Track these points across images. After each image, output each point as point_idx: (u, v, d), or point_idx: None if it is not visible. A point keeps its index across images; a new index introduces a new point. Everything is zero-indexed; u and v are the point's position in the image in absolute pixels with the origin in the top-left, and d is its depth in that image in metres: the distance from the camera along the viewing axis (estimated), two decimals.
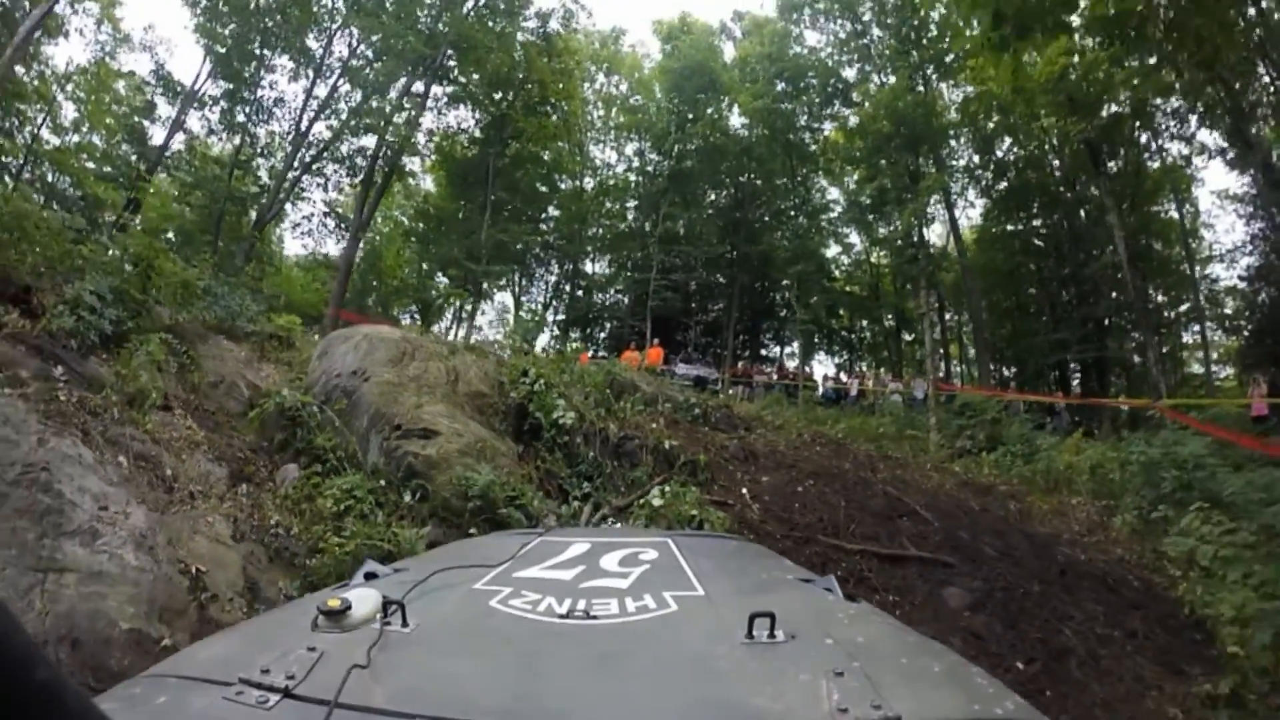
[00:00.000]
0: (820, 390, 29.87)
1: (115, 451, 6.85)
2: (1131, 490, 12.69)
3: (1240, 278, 35.05)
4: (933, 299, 36.53)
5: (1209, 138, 32.11)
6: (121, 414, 7.57)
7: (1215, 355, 38.10)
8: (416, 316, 45.64)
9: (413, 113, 31.79)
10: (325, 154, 31.88)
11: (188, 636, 5.42)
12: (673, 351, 33.02)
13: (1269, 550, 8.91)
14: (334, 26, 30.81)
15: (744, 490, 11.38)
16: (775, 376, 32.79)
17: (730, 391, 28.65)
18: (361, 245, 36.57)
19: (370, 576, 2.76)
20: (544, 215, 43.76)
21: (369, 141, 31.82)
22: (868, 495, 11.89)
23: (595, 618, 2.12)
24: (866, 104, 29.60)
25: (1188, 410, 16.88)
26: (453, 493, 8.40)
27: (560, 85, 37.24)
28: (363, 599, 2.00)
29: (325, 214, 34.88)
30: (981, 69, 28.96)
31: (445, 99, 34.91)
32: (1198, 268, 36.30)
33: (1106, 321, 34.80)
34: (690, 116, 37.24)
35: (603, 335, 43.65)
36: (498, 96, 35.41)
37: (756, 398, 27.05)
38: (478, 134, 37.03)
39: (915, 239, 26.23)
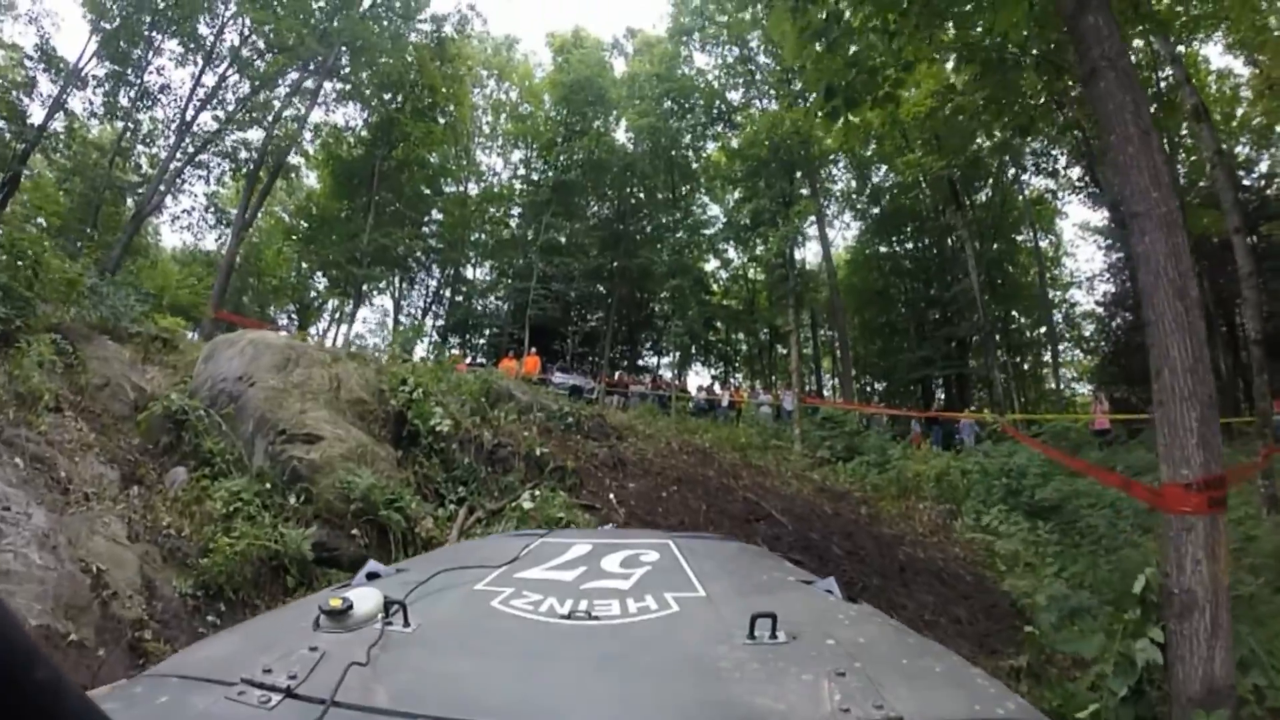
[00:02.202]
0: (693, 401, 30.56)
1: (12, 453, 7.04)
2: (971, 496, 13.75)
3: (1098, 303, 37.78)
4: (804, 317, 37.84)
5: (1072, 173, 34.96)
6: (16, 415, 7.76)
7: (1074, 373, 41.40)
8: (294, 317, 45.66)
9: (300, 108, 31.61)
10: (209, 146, 31.03)
11: (93, 632, 5.64)
12: (550, 360, 33.57)
13: (1087, 549, 9.86)
14: (227, 13, 29.93)
15: (611, 495, 11.84)
16: (649, 387, 33.36)
17: (606, 401, 29.06)
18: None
19: (372, 576, 2.77)
20: (427, 219, 43.48)
21: (255, 135, 31.39)
22: (729, 501, 12.52)
23: (597, 618, 2.13)
24: (748, 127, 30.30)
25: (1029, 425, 18.05)
26: (335, 495, 8.61)
27: (450, 90, 37.45)
28: (365, 599, 2.01)
29: (206, 208, 33.93)
30: (837, 140, 30.19)
31: (335, 96, 34.49)
32: (1059, 293, 39.25)
33: (968, 341, 36.58)
34: (577, 129, 37.57)
35: (482, 342, 43.91)
36: (387, 97, 35.25)
37: (631, 407, 27.19)
38: (364, 134, 36.87)
39: (787, 259, 26.94)
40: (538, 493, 10.52)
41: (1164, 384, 5.22)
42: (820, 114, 7.86)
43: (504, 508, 10.22)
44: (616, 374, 36.73)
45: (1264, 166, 30.55)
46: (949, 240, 38.45)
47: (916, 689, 1.63)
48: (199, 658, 1.96)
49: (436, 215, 43.94)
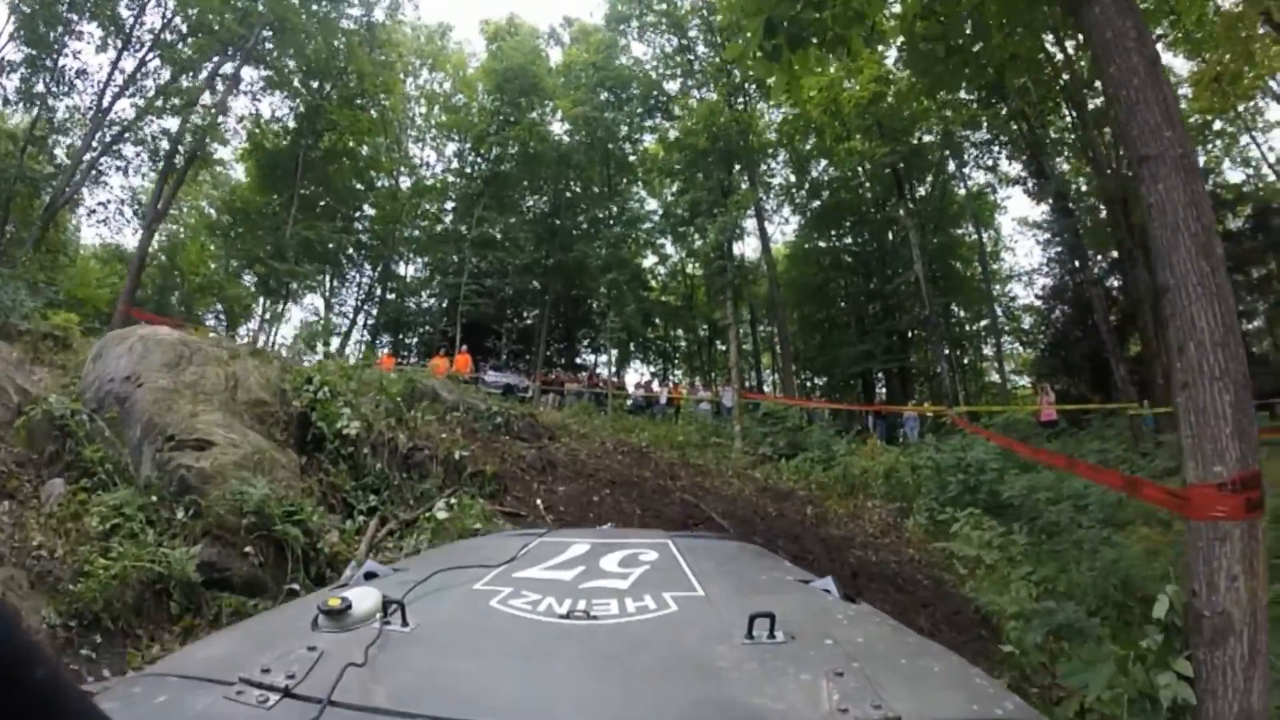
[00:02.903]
0: (630, 399, 29.97)
1: None
2: (923, 493, 13.05)
3: (1037, 296, 38.77)
4: (744, 311, 37.24)
5: (1012, 168, 34.84)
6: None
7: (1013, 366, 41.73)
8: (223, 317, 43.93)
9: (222, 95, 30.10)
10: (127, 134, 29.34)
11: None
12: (483, 358, 32.87)
13: (1051, 549, 9.08)
14: None
15: (539, 500, 11.09)
16: (585, 385, 32.69)
17: (541, 400, 28.55)
18: (164, 238, 34.51)
19: (370, 576, 2.79)
20: (358, 214, 42.25)
21: (174, 124, 29.71)
22: (665, 503, 11.77)
23: (595, 618, 2.12)
24: (685, 117, 29.41)
25: (978, 418, 17.42)
26: (227, 509, 7.62)
27: (380, 78, 35.99)
28: (363, 598, 2.01)
29: (123, 201, 31.89)
30: (778, 88, 29.44)
31: (261, 84, 32.88)
32: (998, 286, 39.36)
33: (909, 334, 36.94)
34: (511, 119, 36.47)
35: (415, 341, 42.85)
36: (314, 85, 34.04)
37: (568, 406, 26.71)
38: (290, 124, 35.37)
39: (725, 252, 26.24)
40: (454, 501, 9.59)
41: (1189, 362, 4.28)
42: (756, 55, 6.81)
43: (418, 518, 9.40)
44: (553, 372, 35.88)
45: (1200, 160, 30.11)
46: (889, 234, 38.42)
47: (915, 689, 1.64)
48: (197, 657, 1.98)
49: (369, 210, 42.93)
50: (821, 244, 42.22)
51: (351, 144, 37.57)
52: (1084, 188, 31.91)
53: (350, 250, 41.18)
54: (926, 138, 34.40)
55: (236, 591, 6.97)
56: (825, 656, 1.76)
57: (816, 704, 1.52)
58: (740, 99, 32.14)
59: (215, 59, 29.98)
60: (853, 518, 13.13)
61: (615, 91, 35.32)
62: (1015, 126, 28.33)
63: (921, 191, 37.96)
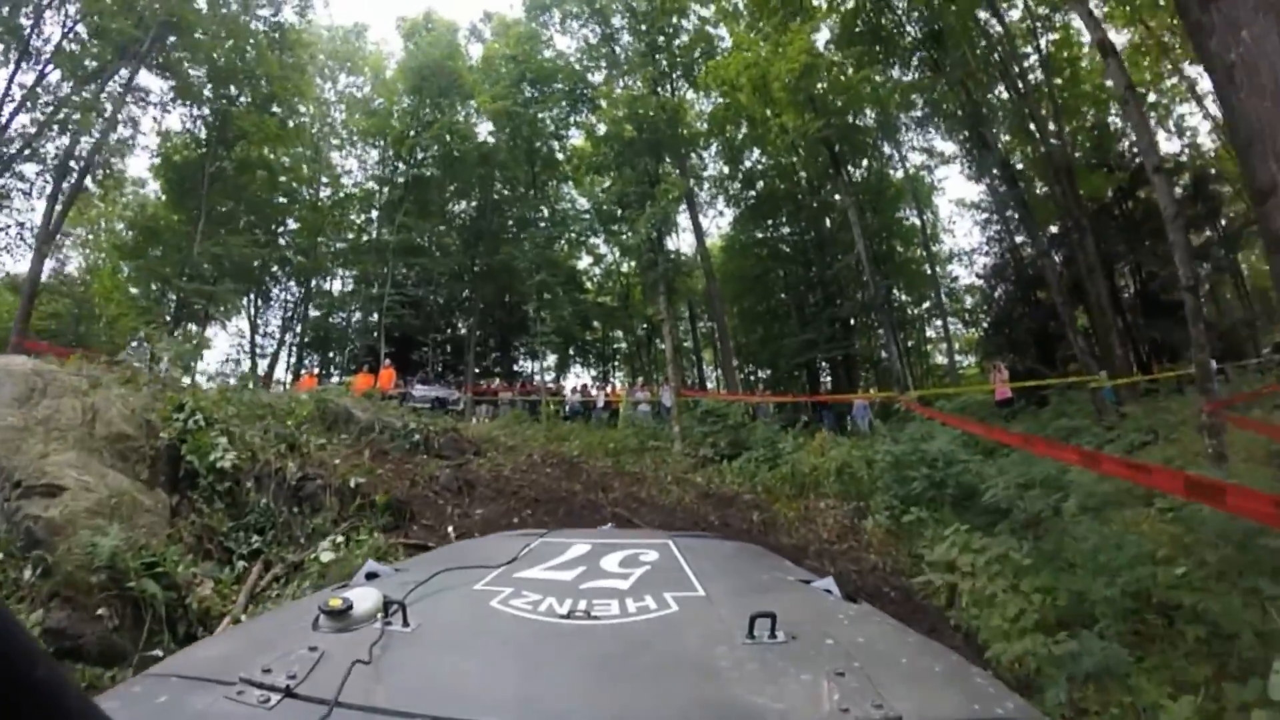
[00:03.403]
0: (567, 404, 28.79)
1: None
2: (881, 489, 11.71)
3: (978, 275, 39.08)
4: (681, 307, 36.12)
5: (948, 147, 35.36)
6: None
7: (957, 346, 41.37)
8: (147, 345, 41.32)
9: (117, 107, 28.10)
10: (26, 152, 27.40)
11: None
12: (411, 373, 31.46)
13: (1038, 548, 7.83)
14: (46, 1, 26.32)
15: (450, 528, 9.95)
16: (519, 392, 31.52)
17: (476, 411, 27.90)
18: (77, 263, 32.41)
19: (372, 576, 2.72)
20: (281, 229, 40.26)
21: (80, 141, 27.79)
22: (595, 519, 10.56)
23: (596, 618, 2.08)
24: (609, 107, 27.87)
25: (930, 402, 16.14)
26: (77, 564, 6.29)
27: (291, 82, 34.01)
28: (364, 598, 1.99)
29: (22, 225, 29.49)
30: (723, 68, 28.70)
31: (169, 94, 30.99)
32: (939, 268, 39.29)
33: (852, 321, 36.29)
34: (430, 120, 34.96)
35: (341, 359, 40.90)
36: (222, 92, 32.15)
37: (502, 416, 25.70)
38: (199, 134, 33.32)
39: (655, 243, 24.96)
40: (340, 539, 8.27)
41: None
42: None
43: (306, 560, 8.07)
44: (487, 382, 34.69)
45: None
46: (826, 220, 38.05)
47: (916, 688, 1.64)
48: (198, 657, 1.98)
49: (293, 225, 40.97)
50: (758, 234, 41.30)
51: (266, 154, 35.59)
52: (1019, 165, 31.75)
53: (274, 268, 39.64)
54: (862, 122, 33.59)
55: (90, 661, 5.81)
56: (826, 656, 1.74)
57: (817, 704, 1.51)
58: (667, 86, 30.89)
59: (116, 68, 28.01)
60: (804, 521, 11.84)
61: (538, 86, 33.86)
62: (955, 97, 27.36)
63: (858, 175, 36.89)
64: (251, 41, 31.16)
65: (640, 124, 26.34)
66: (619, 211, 27.87)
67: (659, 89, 29.66)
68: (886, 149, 36.10)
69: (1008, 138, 27.81)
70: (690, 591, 2.38)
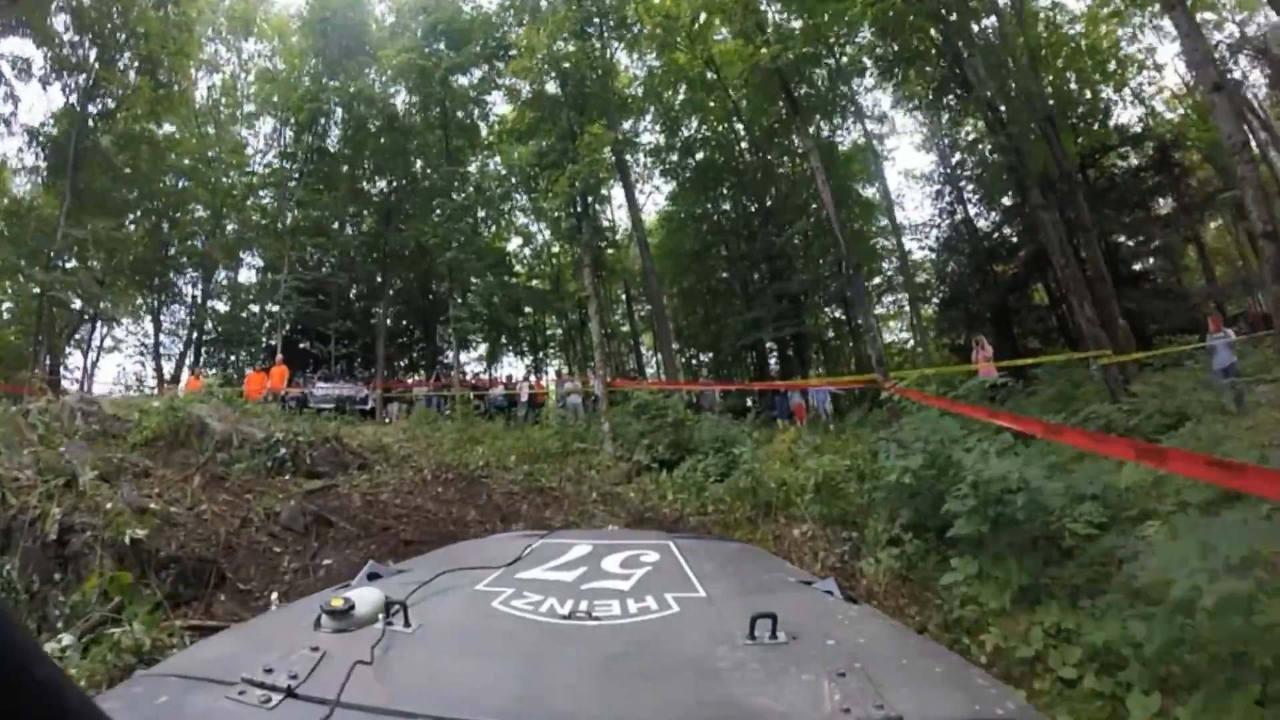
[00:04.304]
0: (488, 398, 25.52)
1: None
2: (880, 512, 8.30)
3: (931, 249, 37.84)
4: (617, 289, 33.18)
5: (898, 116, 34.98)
6: None
7: (905, 324, 40.83)
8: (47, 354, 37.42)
9: None
10: None
11: None
12: (306, 367, 29.37)
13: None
14: None
15: (275, 594, 7.19)
16: (432, 386, 28.46)
17: (387, 410, 25.87)
18: None
19: (373, 577, 2.75)
20: (185, 215, 36.81)
21: None
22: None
23: (597, 619, 2.11)
24: (526, 52, 24.32)
25: (924, 385, 12.87)
26: None
27: (175, 42, 29.88)
28: (366, 599, 2.02)
29: None
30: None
31: (48, 66, 27.65)
32: (888, 241, 37.43)
33: (802, 297, 33.72)
34: (334, 83, 31.25)
35: (244, 357, 37.09)
36: (87, 53, 28.33)
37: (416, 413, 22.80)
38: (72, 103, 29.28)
39: (579, 208, 21.87)
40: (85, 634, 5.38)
41: None
42: None
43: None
44: (405, 376, 31.86)
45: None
46: (771, 191, 35.32)
47: (917, 689, 1.65)
48: (200, 657, 2.00)
49: (201, 212, 37.41)
50: (698, 209, 38.61)
51: (150, 127, 31.77)
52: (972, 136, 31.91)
53: (182, 259, 36.98)
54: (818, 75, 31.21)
55: None
56: (827, 657, 1.76)
57: (818, 704, 1.53)
58: (596, 42, 27.62)
59: None
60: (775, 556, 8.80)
61: (452, 41, 30.13)
62: (922, 35, 24.70)
63: (812, 134, 34.05)
64: None
65: (564, 78, 23.29)
66: (539, 172, 24.48)
67: (587, 42, 26.26)
68: (836, 119, 33.88)
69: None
70: (691, 592, 2.41)
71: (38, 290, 27.56)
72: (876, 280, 37.92)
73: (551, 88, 24.75)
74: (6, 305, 33.14)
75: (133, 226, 34.31)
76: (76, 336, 35.07)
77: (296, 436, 11.90)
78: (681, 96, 33.79)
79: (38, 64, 27.85)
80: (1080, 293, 17.59)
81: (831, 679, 1.58)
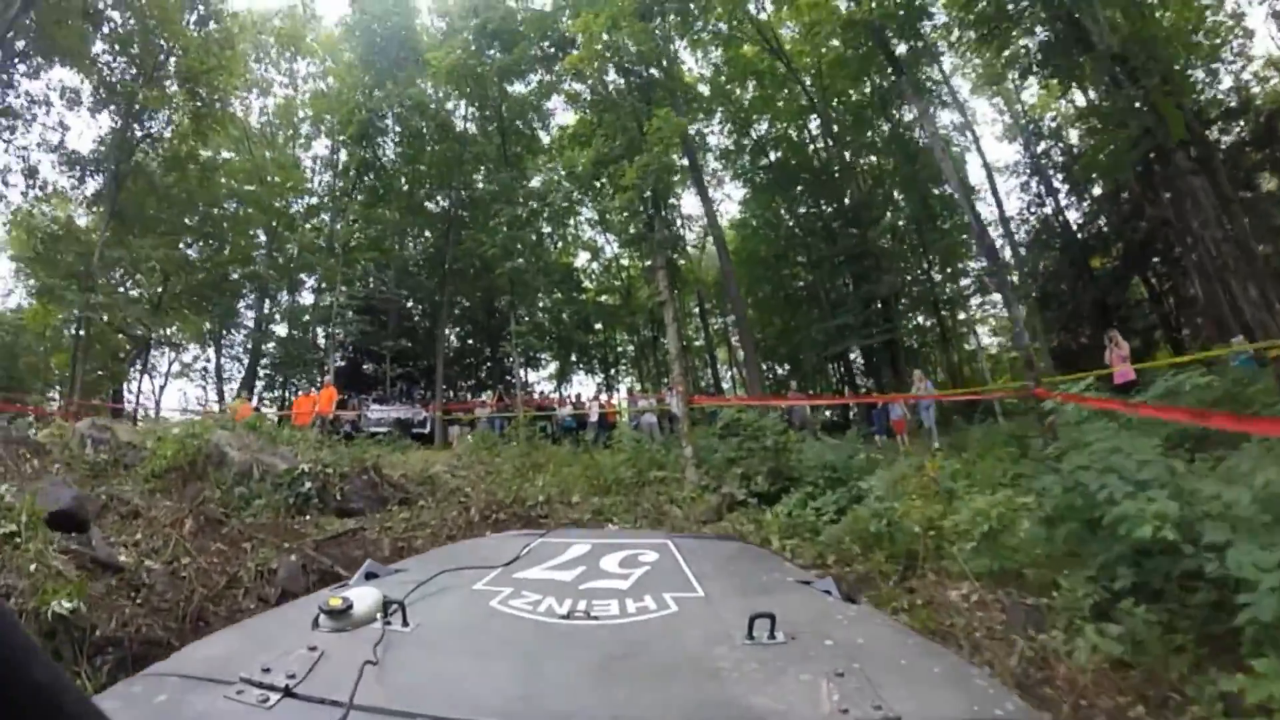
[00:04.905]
0: (556, 419, 23.92)
1: None
2: (1083, 570, 5.79)
3: (1020, 244, 34.21)
4: (690, 301, 31.27)
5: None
6: None
7: (991, 327, 38.25)
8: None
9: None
10: None
11: None
12: (363, 389, 28.42)
13: None
14: None
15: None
16: (494, 407, 26.55)
17: (451, 432, 24.43)
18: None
19: (371, 576, 2.79)
20: (248, 239, 36.32)
21: None
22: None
23: (596, 618, 2.16)
24: (582, 44, 22.41)
25: (1089, 390, 10.30)
26: None
27: (215, 57, 28.16)
28: (364, 598, 2.05)
29: None
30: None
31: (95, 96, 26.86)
32: (973, 241, 33.14)
33: (892, 301, 31.10)
34: (381, 92, 29.68)
35: (304, 380, 35.74)
36: (125, 70, 27.22)
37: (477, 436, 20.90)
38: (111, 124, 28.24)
39: (649, 203, 19.90)
40: None
41: None
42: None
43: None
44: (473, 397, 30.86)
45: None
46: (849, 192, 32.56)
47: (915, 689, 1.66)
48: (198, 657, 1.98)
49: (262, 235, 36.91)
50: (773, 215, 36.54)
51: (195, 146, 30.42)
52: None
53: (245, 284, 36.37)
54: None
55: None
56: (826, 657, 1.79)
57: (817, 704, 1.54)
58: (657, 32, 25.66)
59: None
60: (923, 632, 6.43)
61: (502, 41, 28.45)
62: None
63: (885, 131, 32.42)
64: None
65: (626, 68, 21.47)
66: (606, 169, 22.51)
67: (650, 23, 24.24)
68: (910, 111, 30.42)
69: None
70: (690, 592, 2.46)
71: (77, 313, 26.51)
72: (965, 281, 34.97)
73: (612, 75, 23.08)
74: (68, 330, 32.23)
75: (191, 250, 33.84)
76: (139, 363, 34.79)
77: (325, 468, 10.65)
78: (750, 94, 32.05)
79: (86, 92, 27.08)
80: (1242, 273, 15.11)
81: (830, 679, 1.60)
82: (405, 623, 1.98)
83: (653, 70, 22.84)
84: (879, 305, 30.30)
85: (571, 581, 2.57)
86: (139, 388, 35.40)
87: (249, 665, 1.63)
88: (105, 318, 27.84)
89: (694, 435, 13.09)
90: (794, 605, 2.27)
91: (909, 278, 31.72)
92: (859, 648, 1.86)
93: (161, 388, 38.61)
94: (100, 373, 33.08)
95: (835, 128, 31.89)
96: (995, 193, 31.80)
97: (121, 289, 30.27)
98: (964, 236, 32.09)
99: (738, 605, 2.19)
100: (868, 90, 30.63)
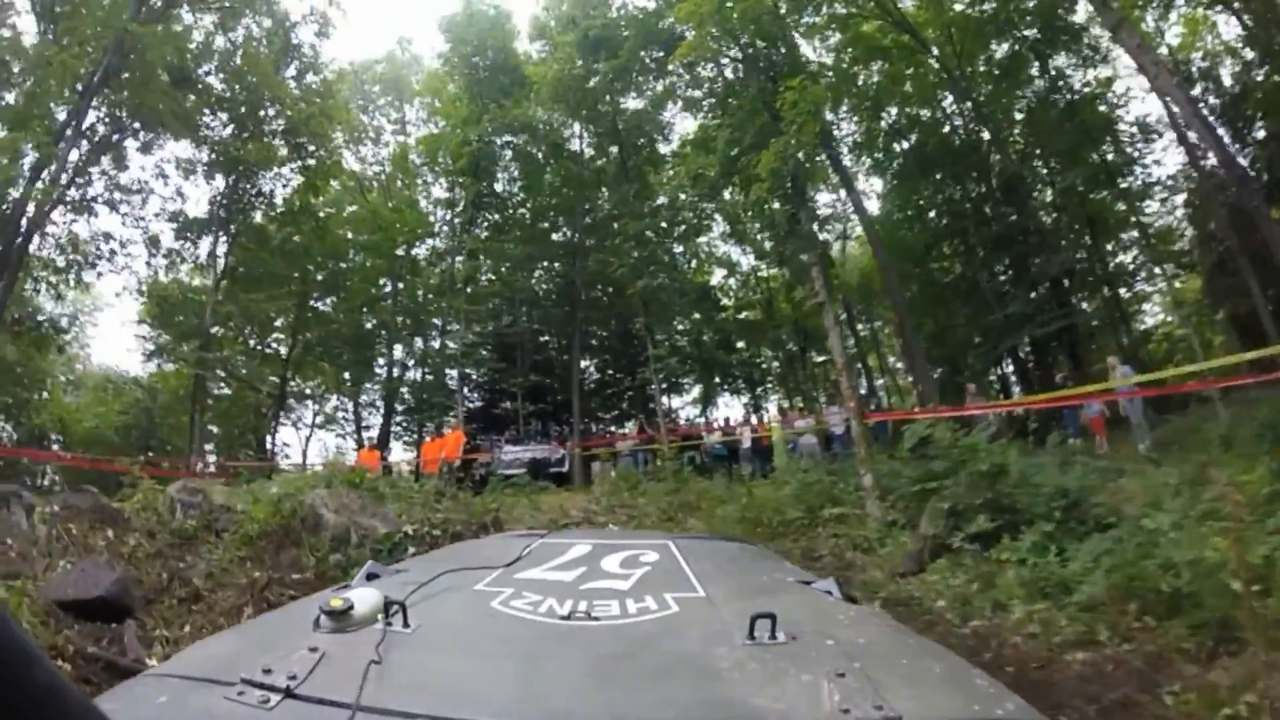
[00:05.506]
0: (702, 447, 21.98)
1: None
2: None
3: (1185, 207, 30.27)
4: (835, 307, 28.98)
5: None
6: None
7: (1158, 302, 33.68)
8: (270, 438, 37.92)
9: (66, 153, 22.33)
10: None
11: None
12: (497, 430, 27.32)
13: None
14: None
15: None
16: (636, 438, 24.97)
17: (593, 469, 24.10)
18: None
19: (372, 577, 2.78)
20: (382, 289, 36.30)
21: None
22: None
23: (597, 619, 2.16)
24: (694, 26, 20.81)
25: None
26: None
27: (317, 107, 28.24)
28: (365, 599, 2.03)
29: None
30: None
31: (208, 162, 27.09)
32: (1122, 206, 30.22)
33: (1065, 281, 27.48)
34: (487, 115, 29.05)
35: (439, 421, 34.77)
36: (224, 128, 27.18)
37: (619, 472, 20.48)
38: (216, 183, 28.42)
39: (793, 188, 18.06)
40: None
41: None
42: None
43: None
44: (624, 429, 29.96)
45: None
46: (998, 165, 29.21)
47: (916, 689, 1.64)
48: (199, 658, 1.99)
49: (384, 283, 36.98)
50: (923, 200, 33.53)
51: (309, 198, 30.47)
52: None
53: (380, 333, 36.35)
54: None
55: None
56: (826, 657, 1.77)
57: (818, 705, 1.53)
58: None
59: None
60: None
61: (610, 49, 26.78)
62: None
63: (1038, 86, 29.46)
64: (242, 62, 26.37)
65: (745, 48, 20.23)
66: (736, 165, 20.74)
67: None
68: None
69: None
70: (690, 592, 2.46)
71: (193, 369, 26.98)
72: (1127, 257, 31.35)
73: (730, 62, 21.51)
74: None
75: (321, 304, 34.40)
76: (279, 416, 35.17)
77: (432, 529, 9.54)
78: (876, 77, 29.61)
79: (199, 159, 27.34)
80: None
81: (831, 679, 1.58)
82: (406, 624, 1.94)
83: (773, 51, 21.57)
84: (1050, 289, 27.08)
85: (572, 582, 2.56)
86: (276, 440, 36.06)
87: (250, 666, 1.59)
88: (221, 373, 28.97)
89: (872, 459, 10.71)
90: (795, 605, 2.26)
91: (1079, 254, 28.32)
92: (860, 648, 1.85)
93: (307, 438, 39.41)
94: (238, 428, 35.87)
95: (973, 97, 28.91)
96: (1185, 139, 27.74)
97: (251, 345, 31.68)
98: (1141, 203, 29.22)
99: (739, 605, 2.18)
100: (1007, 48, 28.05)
